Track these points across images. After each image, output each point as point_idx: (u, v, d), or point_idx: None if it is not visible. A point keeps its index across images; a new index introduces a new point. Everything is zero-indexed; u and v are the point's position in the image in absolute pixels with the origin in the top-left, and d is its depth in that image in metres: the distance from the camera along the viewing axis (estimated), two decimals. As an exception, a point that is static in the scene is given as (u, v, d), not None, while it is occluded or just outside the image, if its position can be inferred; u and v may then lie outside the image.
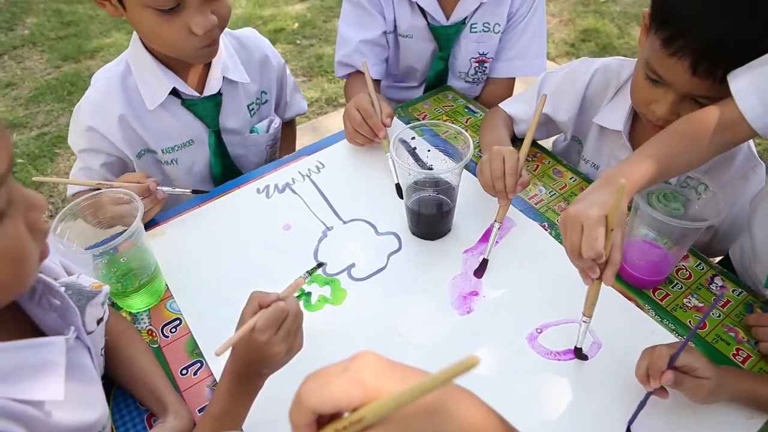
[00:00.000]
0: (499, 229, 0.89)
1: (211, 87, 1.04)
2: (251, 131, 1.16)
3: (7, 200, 0.45)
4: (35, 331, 0.57)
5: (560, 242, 0.92)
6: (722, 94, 0.75)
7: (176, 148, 1.07)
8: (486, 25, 1.23)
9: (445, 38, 1.24)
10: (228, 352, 0.62)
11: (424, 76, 1.35)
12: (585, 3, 3.24)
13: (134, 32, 0.97)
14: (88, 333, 0.61)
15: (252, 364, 0.62)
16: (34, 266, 0.49)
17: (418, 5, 1.19)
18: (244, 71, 1.09)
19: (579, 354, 0.77)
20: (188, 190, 0.99)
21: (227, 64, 1.06)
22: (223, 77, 1.05)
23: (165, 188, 0.94)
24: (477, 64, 1.31)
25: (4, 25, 3.23)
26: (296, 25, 3.19)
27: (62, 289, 0.57)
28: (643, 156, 0.75)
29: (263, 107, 1.17)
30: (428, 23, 1.22)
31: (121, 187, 0.86)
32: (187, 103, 1.04)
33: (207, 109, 1.05)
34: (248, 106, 1.13)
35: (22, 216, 0.46)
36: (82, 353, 0.60)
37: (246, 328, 0.59)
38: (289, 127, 1.33)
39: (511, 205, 0.97)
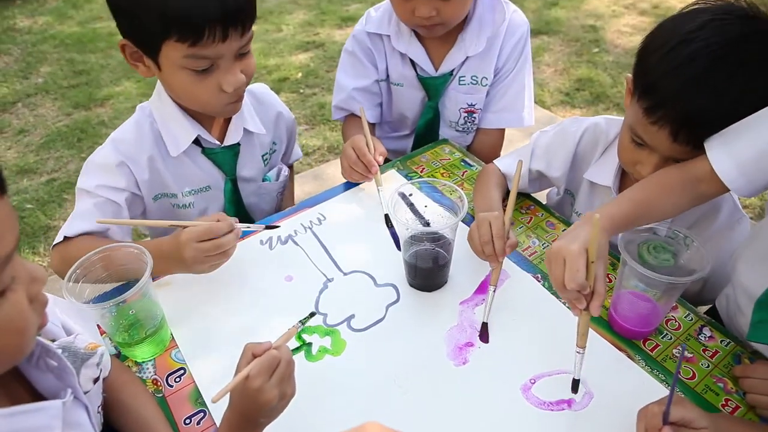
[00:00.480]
0: (494, 291, 0.92)
1: (232, 137, 1.11)
2: (264, 179, 1.23)
3: (12, 276, 0.48)
4: (33, 392, 0.59)
5: (552, 293, 0.96)
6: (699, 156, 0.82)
7: (193, 192, 1.13)
8: (474, 78, 1.31)
9: (433, 88, 1.32)
10: (226, 401, 0.65)
11: (415, 124, 1.42)
12: (579, 53, 3.37)
13: (158, 83, 1.04)
14: (85, 393, 0.63)
15: (248, 413, 0.65)
16: (33, 336, 0.52)
17: (409, 56, 1.28)
18: (260, 123, 1.16)
19: (575, 386, 0.80)
20: (261, 226, 1.02)
21: (246, 115, 1.13)
22: (243, 128, 1.12)
23: (242, 225, 0.95)
24: (466, 114, 1.38)
25: (19, 73, 3.35)
26: (300, 74, 3.31)
27: (59, 351, 0.60)
28: (624, 199, 0.84)
29: (273, 156, 1.25)
30: (417, 74, 1.31)
31: (197, 224, 0.89)
32: (208, 152, 1.10)
33: (226, 157, 1.12)
34: (262, 156, 1.20)
35: (24, 289, 0.49)
36: (79, 412, 0.62)
37: (241, 376, 0.62)
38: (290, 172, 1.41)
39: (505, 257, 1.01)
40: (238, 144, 1.12)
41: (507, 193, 1.14)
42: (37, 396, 0.59)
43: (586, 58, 3.31)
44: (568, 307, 0.93)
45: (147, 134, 1.06)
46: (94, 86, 3.21)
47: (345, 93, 1.34)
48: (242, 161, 1.15)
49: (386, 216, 1.09)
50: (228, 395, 0.64)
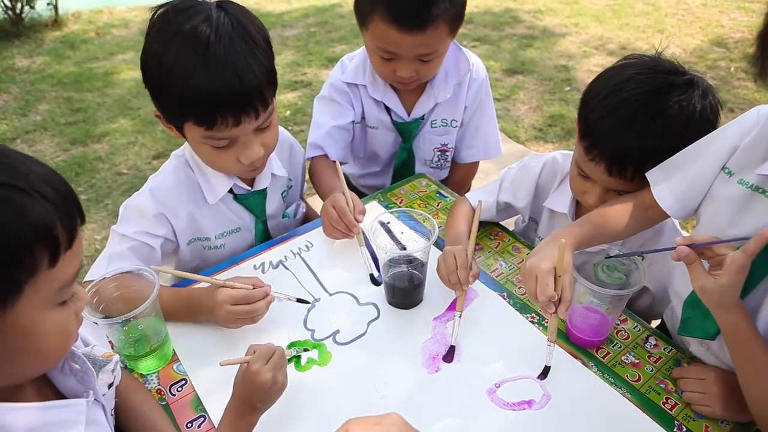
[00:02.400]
0: (460, 317, 1.03)
1: (261, 183, 1.20)
2: (283, 215, 1.31)
3: (73, 291, 0.59)
4: (57, 393, 0.69)
5: (517, 310, 1.07)
6: (636, 187, 1.00)
7: (225, 234, 1.21)
8: (444, 120, 1.46)
9: (407, 131, 1.45)
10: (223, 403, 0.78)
11: (386, 162, 1.55)
12: (551, 91, 3.58)
13: None
14: (102, 396, 0.73)
15: (247, 397, 0.78)
16: (72, 343, 0.63)
17: (384, 103, 1.40)
18: (281, 165, 1.25)
19: (545, 372, 0.94)
20: (294, 297, 1.04)
21: (272, 162, 1.21)
22: (270, 173, 1.21)
23: (275, 293, 1.01)
24: (440, 153, 1.53)
25: (18, 111, 3.47)
26: (288, 112, 3.47)
27: (82, 355, 0.70)
28: (585, 221, 1.00)
29: (290, 192, 1.33)
30: (392, 119, 1.43)
31: (237, 287, 0.96)
32: (240, 198, 1.18)
33: (257, 201, 1.21)
34: (281, 194, 1.29)
35: (74, 304, 0.61)
36: (98, 411, 0.72)
37: (245, 358, 0.80)
38: (304, 201, 1.48)
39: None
40: (266, 187, 1.21)
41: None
42: (60, 396, 0.68)
43: (559, 96, 3.52)
44: (531, 322, 1.05)
45: (184, 183, 1.13)
46: (90, 123, 3.33)
47: (323, 130, 1.39)
48: (269, 201, 1.24)
49: (371, 276, 1.13)
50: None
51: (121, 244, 1.08)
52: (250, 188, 1.19)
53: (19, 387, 0.61)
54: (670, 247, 0.83)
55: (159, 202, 1.10)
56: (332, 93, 1.41)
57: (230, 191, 1.17)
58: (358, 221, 1.15)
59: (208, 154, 1.05)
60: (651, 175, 0.97)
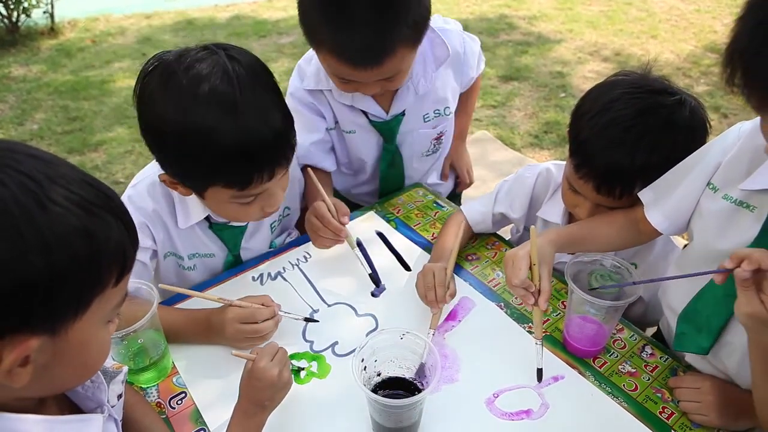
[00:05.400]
0: (433, 334, 1.02)
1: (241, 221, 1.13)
2: (270, 246, 1.26)
3: (118, 313, 0.61)
4: (72, 406, 0.69)
5: (514, 320, 1.08)
6: (626, 204, 1.03)
7: (197, 256, 1.16)
8: (437, 111, 1.34)
9: (388, 131, 1.31)
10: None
11: (375, 166, 1.41)
12: (547, 98, 3.61)
13: None
14: (112, 407, 0.74)
15: (255, 396, 0.81)
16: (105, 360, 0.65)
17: (355, 106, 1.25)
18: None
19: (539, 375, 0.94)
20: (301, 317, 1.05)
21: None
22: None
23: (283, 312, 1.01)
24: (435, 141, 1.42)
25: (15, 120, 3.47)
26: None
27: None
28: (572, 225, 1.05)
29: (285, 221, 1.28)
30: (369, 120, 1.28)
31: (247, 306, 0.97)
32: (215, 227, 1.13)
33: (232, 235, 1.15)
34: (271, 225, 1.22)
35: (114, 323, 0.63)
36: (110, 425, 0.72)
37: (251, 356, 0.83)
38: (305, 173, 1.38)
39: (471, 288, 1.14)
40: (246, 224, 1.16)
41: (471, 236, 1.27)
42: (75, 410, 0.68)
43: (554, 102, 3.54)
44: (528, 332, 1.05)
45: (160, 200, 1.07)
46: (87, 132, 3.33)
47: (302, 149, 1.28)
48: (248, 235, 1.18)
49: (370, 275, 1.13)
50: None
51: None
52: (227, 221, 1.14)
53: (42, 400, 0.62)
54: (709, 270, 0.75)
55: (140, 212, 1.05)
56: (297, 105, 1.26)
57: (206, 219, 1.12)
58: (343, 224, 1.11)
59: (232, 211, 1.00)
60: (642, 195, 0.99)
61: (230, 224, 1.15)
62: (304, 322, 1.07)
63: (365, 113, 1.28)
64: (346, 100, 1.24)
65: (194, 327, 1.02)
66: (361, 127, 1.31)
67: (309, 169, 1.20)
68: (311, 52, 1.20)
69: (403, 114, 1.30)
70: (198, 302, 1.06)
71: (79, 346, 0.56)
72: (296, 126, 1.23)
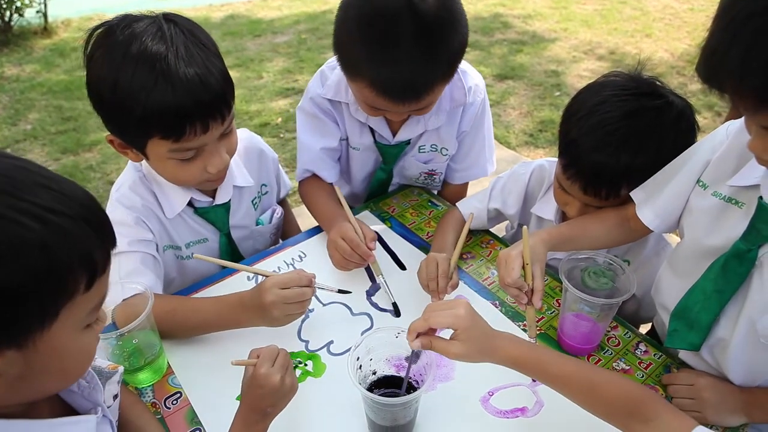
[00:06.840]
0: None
1: (222, 197, 1.16)
2: (257, 223, 1.29)
3: (97, 315, 0.60)
4: (65, 408, 0.69)
5: (508, 318, 1.09)
6: (612, 205, 1.05)
7: (192, 243, 1.18)
8: (434, 146, 1.34)
9: (389, 155, 1.35)
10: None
11: (360, 180, 1.44)
12: (542, 96, 3.61)
13: None
14: (108, 407, 0.73)
15: (257, 403, 0.77)
16: (91, 364, 0.64)
17: (369, 125, 1.28)
18: (247, 174, 1.21)
19: None
20: (335, 288, 1.06)
21: (235, 173, 1.17)
22: (233, 185, 1.17)
23: (317, 284, 1.01)
24: (426, 175, 1.42)
25: (8, 120, 3.45)
26: (280, 119, 3.47)
27: (90, 370, 0.71)
28: (563, 224, 1.06)
29: (264, 198, 1.30)
30: (375, 140, 1.32)
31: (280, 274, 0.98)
32: (200, 211, 1.16)
33: (218, 214, 1.18)
34: (252, 201, 1.25)
35: (97, 326, 0.62)
36: (105, 426, 0.72)
37: (251, 361, 0.79)
38: (284, 207, 1.43)
39: (466, 286, 1.15)
40: (229, 200, 1.18)
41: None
42: (69, 411, 0.68)
43: (549, 101, 3.55)
44: (522, 330, 1.06)
45: (146, 196, 1.10)
46: (81, 132, 3.31)
47: (313, 153, 1.30)
48: (233, 212, 1.20)
49: (394, 304, 1.11)
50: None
51: (130, 262, 1.05)
52: (212, 200, 1.16)
53: (33, 403, 0.62)
54: None
55: (131, 209, 1.08)
56: (315, 110, 1.28)
57: (190, 204, 1.14)
58: (370, 248, 1.12)
59: (173, 169, 1.01)
60: (634, 194, 1.00)
61: (213, 205, 1.16)
62: (321, 306, 1.09)
63: (373, 133, 1.30)
64: (361, 116, 1.26)
65: (227, 310, 1.00)
66: (365, 146, 1.34)
67: (336, 187, 1.23)
68: (335, 60, 1.14)
69: (407, 143, 1.32)
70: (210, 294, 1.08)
71: (53, 355, 0.55)
72: (308, 129, 1.31)
